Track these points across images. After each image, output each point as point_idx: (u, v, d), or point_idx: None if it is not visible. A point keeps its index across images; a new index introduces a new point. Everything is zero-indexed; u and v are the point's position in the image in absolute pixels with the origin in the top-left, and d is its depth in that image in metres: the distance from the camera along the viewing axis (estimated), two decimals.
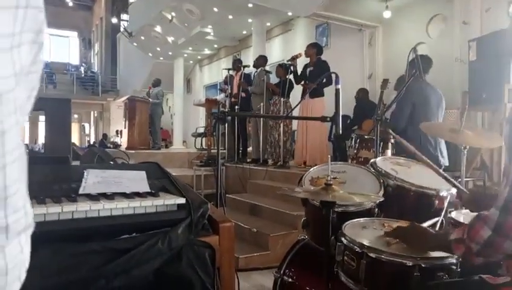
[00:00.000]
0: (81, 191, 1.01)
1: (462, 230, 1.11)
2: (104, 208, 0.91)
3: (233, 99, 6.55)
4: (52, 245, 0.82)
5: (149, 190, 1.04)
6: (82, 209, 0.89)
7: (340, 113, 1.61)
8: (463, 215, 1.78)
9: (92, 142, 17.75)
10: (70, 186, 1.04)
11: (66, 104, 1.31)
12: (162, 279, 0.88)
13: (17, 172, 0.36)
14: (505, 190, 0.96)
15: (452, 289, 1.15)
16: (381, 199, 1.63)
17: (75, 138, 19.34)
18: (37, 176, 1.04)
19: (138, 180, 1.10)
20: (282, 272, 1.96)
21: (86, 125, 22.21)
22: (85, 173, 1.11)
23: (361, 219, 1.63)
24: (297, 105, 2.53)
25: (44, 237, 0.84)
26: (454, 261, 1.28)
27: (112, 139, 14.62)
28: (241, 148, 6.55)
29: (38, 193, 0.97)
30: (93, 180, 1.09)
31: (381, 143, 3.31)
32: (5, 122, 0.34)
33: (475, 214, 1.68)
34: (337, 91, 1.61)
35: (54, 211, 0.86)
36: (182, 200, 0.98)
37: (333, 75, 1.63)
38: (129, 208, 0.94)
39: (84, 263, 0.82)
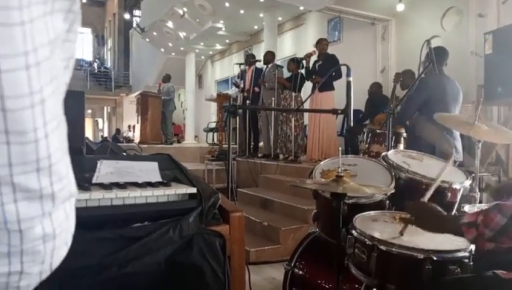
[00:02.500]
0: (94, 181, 1.02)
1: (475, 215, 1.10)
2: (117, 197, 0.93)
3: (245, 94, 6.56)
4: None
5: (161, 180, 1.06)
6: (95, 197, 0.91)
7: (352, 106, 1.60)
8: (477, 210, 1.76)
9: (105, 137, 17.97)
10: (83, 176, 1.07)
11: (80, 96, 1.33)
12: (173, 267, 0.90)
13: (58, 141, 0.37)
14: None
15: (466, 284, 1.13)
16: (392, 191, 1.62)
17: (88, 133, 19.60)
18: None
19: (150, 171, 1.12)
20: (292, 264, 1.97)
21: (100, 120, 22.49)
22: (98, 164, 1.13)
23: (372, 211, 1.62)
24: (307, 99, 2.52)
25: None
26: (466, 254, 1.27)
27: (124, 134, 14.78)
28: (252, 143, 6.56)
29: None
30: (106, 170, 1.11)
31: (394, 137, 3.28)
32: (45, 91, 0.34)
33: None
34: (348, 83, 1.60)
35: None
36: (193, 190, 0.99)
37: (344, 67, 1.62)
38: (141, 197, 0.95)
39: (98, 249, 0.84)
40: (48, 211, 0.38)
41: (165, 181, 1.05)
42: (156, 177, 1.07)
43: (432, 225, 1.28)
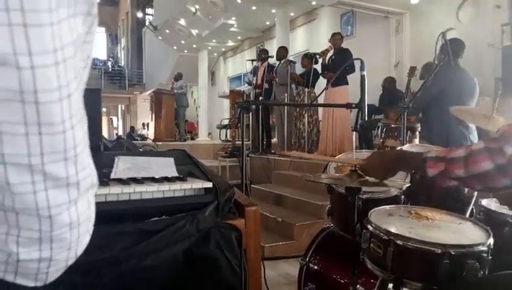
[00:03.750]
0: (112, 176, 1.04)
1: (448, 151, 1.04)
2: (135, 191, 0.94)
3: (257, 90, 6.56)
4: None
5: (177, 175, 1.07)
6: (114, 192, 0.93)
7: (366, 100, 1.59)
8: (494, 204, 1.74)
9: (119, 135, 18.21)
10: (102, 171, 1.09)
11: (97, 93, 1.35)
12: (190, 259, 0.91)
13: (82, 132, 0.40)
14: None
15: (502, 283, 1.09)
16: (408, 185, 1.61)
17: (103, 131, 19.85)
18: None
19: (166, 166, 1.14)
20: (307, 259, 1.98)
21: (114, 118, 22.79)
22: (116, 159, 1.15)
23: (387, 206, 1.61)
24: (320, 94, 2.51)
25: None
26: (485, 249, 1.25)
27: (139, 132, 14.95)
28: (265, 140, 6.56)
29: None
30: (123, 166, 1.13)
31: (409, 132, 3.25)
32: (71, 86, 0.37)
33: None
34: (362, 77, 1.59)
35: None
36: (209, 184, 1.00)
37: (358, 62, 1.60)
38: (158, 191, 0.97)
39: (117, 243, 0.86)
40: (73, 198, 0.40)
41: (181, 176, 1.07)
42: (173, 172, 1.09)
43: (388, 164, 1.23)
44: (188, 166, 1.15)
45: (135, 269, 0.88)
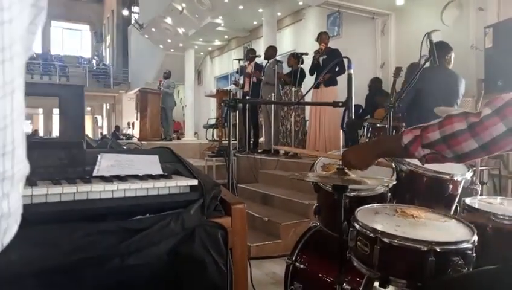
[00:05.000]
0: (95, 173, 1.02)
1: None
2: (118, 189, 0.92)
3: (245, 90, 6.54)
4: (68, 224, 0.84)
5: (162, 173, 1.05)
6: (96, 189, 0.90)
7: (353, 98, 1.59)
8: (478, 202, 1.76)
9: (104, 135, 17.96)
10: (84, 169, 1.06)
11: (79, 90, 1.32)
12: (175, 258, 0.89)
13: (21, 125, 0.40)
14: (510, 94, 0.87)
15: (486, 279, 1.07)
16: (394, 182, 1.62)
17: (88, 130, 19.59)
18: (52, 160, 1.05)
19: (151, 164, 1.11)
20: (294, 258, 1.97)
21: (99, 117, 22.46)
22: (99, 157, 1.12)
23: (374, 204, 1.61)
24: (307, 92, 2.51)
25: (61, 217, 0.85)
26: (469, 246, 1.26)
27: (124, 131, 14.77)
28: (252, 139, 6.55)
29: (54, 175, 0.99)
30: (106, 163, 1.10)
31: (394, 131, 3.28)
32: (15, 82, 0.37)
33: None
34: (349, 76, 1.59)
35: (69, 191, 0.87)
36: (195, 182, 0.98)
37: (345, 60, 1.61)
38: (142, 189, 0.95)
39: (99, 241, 0.84)
40: (6, 192, 0.39)
41: (166, 174, 1.04)
42: (157, 170, 1.06)
43: (367, 150, 1.23)
44: (174, 164, 1.13)
45: (119, 269, 0.86)
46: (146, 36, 12.16)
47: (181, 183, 0.98)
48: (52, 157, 1.06)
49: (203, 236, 0.93)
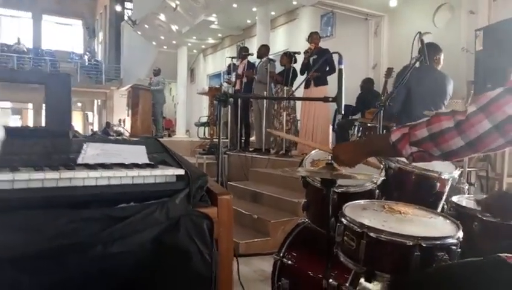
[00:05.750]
0: (79, 161, 1.00)
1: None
2: (102, 176, 0.91)
3: (236, 87, 6.54)
4: (51, 210, 0.82)
5: (148, 162, 1.04)
6: (79, 176, 0.89)
7: (343, 94, 1.59)
8: (465, 200, 1.78)
9: (95, 131, 17.78)
10: (69, 157, 1.04)
11: (66, 78, 1.30)
12: (159, 247, 0.88)
13: None
14: (496, 90, 0.88)
15: (468, 270, 1.08)
16: (383, 178, 1.62)
17: (78, 127, 19.40)
18: (37, 148, 1.04)
19: (138, 153, 1.10)
20: (281, 254, 1.97)
21: (90, 113, 22.25)
22: (84, 146, 1.11)
23: (362, 200, 1.62)
24: (297, 88, 2.50)
25: (44, 203, 0.84)
26: (454, 241, 1.27)
27: (115, 128, 14.64)
28: (243, 138, 6.54)
29: (38, 162, 0.97)
30: (92, 152, 1.08)
31: (384, 131, 3.29)
32: None
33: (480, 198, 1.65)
34: (340, 71, 1.59)
35: (52, 177, 0.86)
36: (181, 171, 0.97)
37: (336, 55, 1.61)
38: (127, 177, 0.93)
39: (82, 228, 0.82)
40: None
41: (152, 163, 1.03)
42: (144, 159, 1.05)
43: (356, 148, 1.24)
44: (161, 154, 1.12)
45: (102, 256, 0.85)
46: (139, 33, 12.07)
47: (167, 172, 0.97)
48: (37, 146, 1.05)
49: (188, 226, 0.92)
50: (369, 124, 3.57)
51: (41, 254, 0.79)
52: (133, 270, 0.88)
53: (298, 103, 5.81)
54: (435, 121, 0.94)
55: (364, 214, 1.49)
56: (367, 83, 5.97)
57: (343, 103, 1.70)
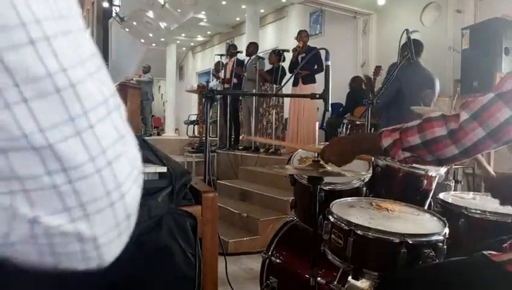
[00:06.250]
0: None
1: (402, 124, 1.04)
2: None
3: (225, 85, 6.50)
4: None
5: None
6: None
7: (330, 90, 1.58)
8: (451, 197, 1.79)
9: None
10: None
11: None
12: (141, 247, 0.86)
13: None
14: (486, 96, 0.87)
15: (454, 268, 1.08)
16: (369, 175, 1.62)
17: None
18: None
19: None
20: (270, 253, 1.95)
21: None
22: None
23: (349, 198, 1.61)
24: (283, 85, 2.49)
25: None
26: (441, 238, 1.28)
27: None
28: (233, 136, 6.52)
29: None
30: None
31: (373, 129, 3.30)
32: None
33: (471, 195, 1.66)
34: (327, 67, 1.58)
35: None
36: (163, 169, 0.95)
37: (323, 52, 1.60)
38: None
39: None
40: (79, 116, 0.28)
41: None
42: None
43: (346, 147, 1.22)
44: (144, 151, 1.09)
45: None
46: (127, 30, 11.92)
47: (149, 170, 0.94)
48: None
49: (171, 224, 0.89)
50: (357, 122, 3.57)
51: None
52: (114, 271, 0.85)
53: (286, 101, 5.80)
54: (427, 128, 0.94)
55: (352, 212, 1.49)
56: (356, 82, 5.99)
57: (330, 101, 1.69)
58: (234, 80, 6.18)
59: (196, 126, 9.00)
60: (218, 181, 5.24)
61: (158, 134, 11.82)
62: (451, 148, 0.91)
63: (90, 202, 0.29)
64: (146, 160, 1.08)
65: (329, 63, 1.56)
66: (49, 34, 0.27)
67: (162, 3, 9.24)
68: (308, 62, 5.07)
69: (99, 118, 0.29)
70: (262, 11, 8.68)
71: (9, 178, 0.27)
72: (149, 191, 0.91)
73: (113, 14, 14.15)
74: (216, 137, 7.00)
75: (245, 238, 3.57)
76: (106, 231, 0.32)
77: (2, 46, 0.25)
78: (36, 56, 0.26)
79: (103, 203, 0.30)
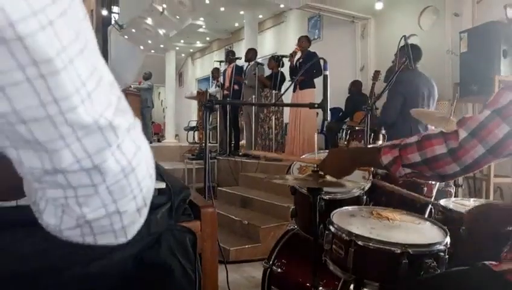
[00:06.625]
0: None
1: (401, 139, 1.05)
2: None
3: (225, 92, 6.51)
4: (20, 229, 0.79)
5: None
6: None
7: (328, 100, 1.58)
8: (452, 203, 1.78)
9: None
10: None
11: None
12: (140, 265, 0.85)
13: (86, 67, 0.37)
14: (483, 113, 0.89)
15: (455, 279, 1.07)
16: (369, 185, 1.61)
17: None
18: None
19: None
20: (271, 262, 1.95)
21: None
22: None
23: (350, 207, 1.61)
24: (283, 93, 2.49)
25: (17, 221, 0.80)
26: (442, 247, 1.27)
27: None
28: (233, 142, 6.51)
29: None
30: None
31: (372, 134, 3.30)
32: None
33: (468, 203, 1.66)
34: (325, 77, 1.58)
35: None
36: (162, 185, 0.94)
37: (321, 61, 1.60)
38: None
39: (57, 248, 0.79)
40: (113, 142, 0.38)
41: None
42: None
43: (345, 161, 1.23)
44: None
45: (79, 277, 0.81)
46: (126, 37, 11.97)
47: None
48: None
49: (171, 241, 0.89)
50: (357, 128, 3.57)
51: (14, 275, 0.75)
52: (115, 289, 0.84)
53: (286, 107, 5.82)
54: (427, 145, 0.95)
55: (352, 221, 1.48)
56: (355, 86, 6.00)
57: (329, 109, 1.69)
58: (235, 86, 6.19)
59: (196, 132, 9.01)
60: (218, 188, 5.23)
61: (158, 140, 11.82)
62: (452, 166, 0.92)
63: (120, 199, 0.40)
64: None
65: (327, 72, 1.56)
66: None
67: (161, 10, 9.27)
68: (307, 68, 5.08)
69: (123, 138, 0.39)
70: (260, 16, 8.72)
71: (66, 187, 0.37)
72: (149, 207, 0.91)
73: (112, 22, 14.21)
74: (216, 143, 7.00)
75: (246, 246, 3.56)
76: (130, 217, 0.43)
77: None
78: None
79: (129, 199, 0.41)
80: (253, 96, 5.78)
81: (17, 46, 0.31)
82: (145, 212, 0.46)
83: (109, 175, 0.38)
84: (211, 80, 9.99)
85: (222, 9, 8.34)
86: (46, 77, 0.32)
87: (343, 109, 5.97)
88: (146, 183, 0.43)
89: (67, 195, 0.38)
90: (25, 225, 0.80)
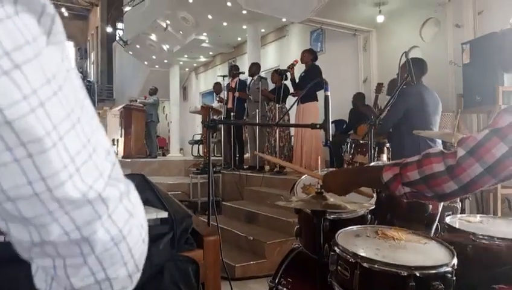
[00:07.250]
0: None
1: (404, 159, 1.05)
2: None
3: (229, 106, 6.54)
4: (20, 263, 0.79)
5: None
6: None
7: (330, 120, 1.58)
8: (458, 221, 1.76)
9: None
10: None
11: None
12: None
13: (78, 139, 0.38)
14: (482, 132, 0.89)
15: None
16: (373, 207, 1.60)
17: None
18: None
19: None
20: (277, 281, 1.93)
21: None
22: None
23: (355, 226, 1.59)
24: (289, 109, 2.50)
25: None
26: (449, 269, 1.25)
27: None
28: (237, 155, 6.52)
29: None
30: None
31: (376, 148, 3.29)
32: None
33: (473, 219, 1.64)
34: (326, 98, 1.59)
35: None
36: (164, 214, 0.95)
37: (323, 73, 1.60)
38: None
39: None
40: (103, 213, 0.38)
41: None
42: None
43: (347, 178, 1.25)
44: (144, 193, 1.09)
45: None
46: (130, 53, 12.12)
47: (150, 216, 0.94)
48: None
49: (173, 271, 0.88)
50: (361, 141, 3.56)
51: None
52: None
53: (291, 119, 5.82)
54: (426, 163, 0.96)
55: (357, 242, 1.46)
56: (359, 98, 6.00)
57: (331, 122, 1.70)
58: (236, 94, 6.23)
59: (201, 146, 9.03)
60: (223, 202, 5.22)
61: (163, 154, 11.86)
62: (449, 184, 0.92)
63: (109, 267, 0.40)
64: (146, 202, 1.08)
65: (328, 93, 1.57)
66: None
67: (165, 26, 9.40)
68: (307, 80, 5.09)
69: (114, 208, 0.39)
70: (263, 30, 8.79)
71: (54, 257, 0.37)
72: (150, 237, 0.91)
73: (117, 38, 14.42)
74: (221, 156, 7.01)
75: (252, 262, 3.53)
76: (122, 283, 0.43)
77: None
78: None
79: (119, 266, 0.41)
80: (257, 110, 5.80)
81: (5, 130, 0.31)
82: (137, 276, 0.45)
83: (98, 245, 0.38)
84: (214, 94, 10.06)
85: (225, 24, 8.43)
86: (33, 156, 0.32)
87: (347, 121, 5.96)
88: (138, 249, 0.43)
89: (55, 264, 0.38)
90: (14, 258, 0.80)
